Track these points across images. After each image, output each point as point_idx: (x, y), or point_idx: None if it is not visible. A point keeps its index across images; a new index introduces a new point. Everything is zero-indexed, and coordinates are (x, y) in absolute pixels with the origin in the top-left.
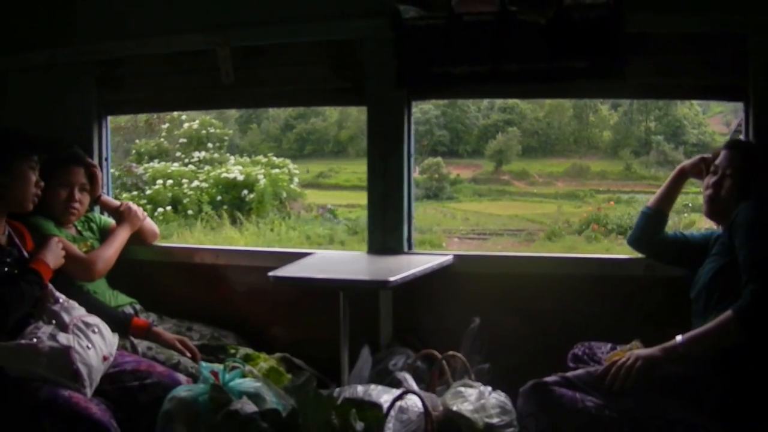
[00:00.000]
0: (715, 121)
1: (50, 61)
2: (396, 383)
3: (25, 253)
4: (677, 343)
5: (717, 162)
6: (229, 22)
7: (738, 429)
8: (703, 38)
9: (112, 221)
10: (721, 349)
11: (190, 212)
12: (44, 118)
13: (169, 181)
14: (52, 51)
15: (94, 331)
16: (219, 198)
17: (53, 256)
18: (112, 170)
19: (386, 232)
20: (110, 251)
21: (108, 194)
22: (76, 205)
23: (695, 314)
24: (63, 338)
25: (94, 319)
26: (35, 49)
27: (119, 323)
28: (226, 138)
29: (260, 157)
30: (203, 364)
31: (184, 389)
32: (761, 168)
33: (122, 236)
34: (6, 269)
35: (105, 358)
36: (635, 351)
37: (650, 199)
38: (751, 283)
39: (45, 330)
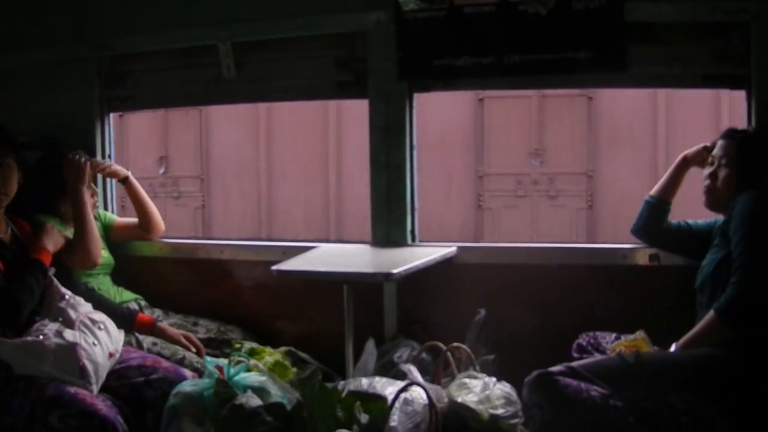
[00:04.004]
0: None
1: (54, 57)
2: (401, 375)
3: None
4: (671, 352)
5: (714, 152)
6: (232, 17)
7: (747, 421)
8: (706, 27)
9: (116, 218)
10: (733, 338)
11: None
12: (48, 114)
13: None
14: (56, 48)
15: (100, 328)
16: None
17: (51, 241)
18: None
19: (390, 224)
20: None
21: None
22: None
23: (700, 305)
24: (69, 335)
25: (100, 316)
26: (39, 46)
27: (124, 319)
28: None
29: None
30: (208, 358)
31: (190, 384)
32: (759, 157)
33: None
34: (13, 267)
35: (111, 355)
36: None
37: (653, 188)
38: (734, 276)
39: (51, 327)
